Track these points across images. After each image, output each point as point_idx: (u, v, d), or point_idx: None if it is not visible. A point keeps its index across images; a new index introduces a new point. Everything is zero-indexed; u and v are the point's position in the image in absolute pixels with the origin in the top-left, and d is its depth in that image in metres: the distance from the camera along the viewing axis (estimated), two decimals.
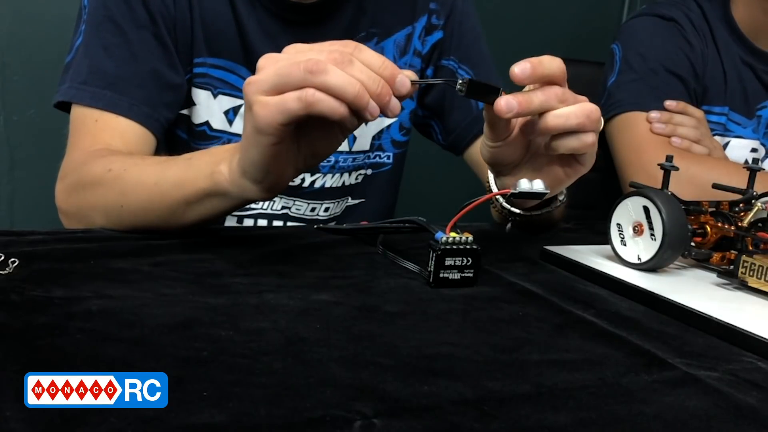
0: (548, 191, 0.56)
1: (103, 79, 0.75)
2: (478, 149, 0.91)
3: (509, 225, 0.69)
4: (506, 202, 0.68)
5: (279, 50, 0.83)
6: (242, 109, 0.84)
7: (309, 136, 0.55)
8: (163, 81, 0.78)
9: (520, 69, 0.53)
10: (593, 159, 0.60)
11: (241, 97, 0.84)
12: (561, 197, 0.68)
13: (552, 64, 0.55)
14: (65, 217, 0.71)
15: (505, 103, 0.53)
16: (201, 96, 0.83)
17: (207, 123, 0.84)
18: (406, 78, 0.52)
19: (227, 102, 0.84)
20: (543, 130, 0.56)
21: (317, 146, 0.57)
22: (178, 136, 0.85)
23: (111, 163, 0.66)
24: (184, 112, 0.83)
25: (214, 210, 0.61)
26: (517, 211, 0.67)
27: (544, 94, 0.54)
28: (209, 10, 0.81)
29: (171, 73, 0.79)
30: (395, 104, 0.51)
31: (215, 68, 0.82)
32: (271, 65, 0.51)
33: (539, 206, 0.67)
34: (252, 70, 0.83)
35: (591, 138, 0.57)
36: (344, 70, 0.49)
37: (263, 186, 0.56)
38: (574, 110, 0.55)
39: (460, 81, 0.54)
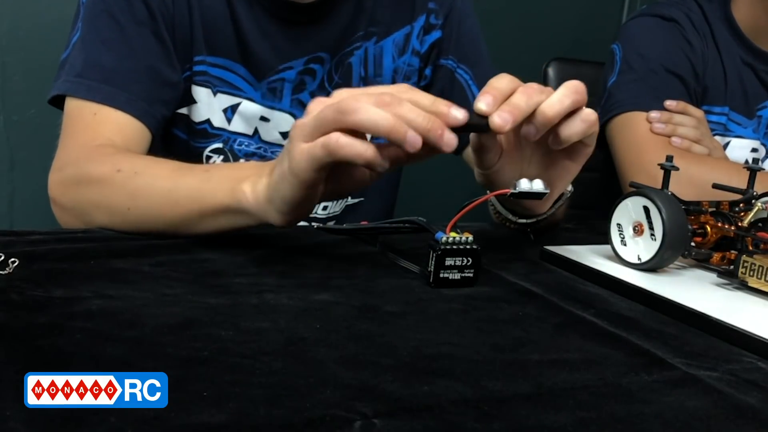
0: (548, 191, 0.56)
1: (99, 72, 0.75)
2: None
3: (531, 236, 0.70)
4: (507, 209, 0.68)
5: (276, 50, 0.84)
6: (240, 107, 0.85)
7: (339, 174, 0.55)
8: (160, 78, 0.78)
9: (485, 104, 0.53)
10: (596, 136, 0.60)
11: (238, 95, 0.84)
12: (568, 190, 0.68)
13: (501, 82, 0.55)
14: (60, 210, 0.70)
15: (499, 118, 0.53)
16: (201, 94, 0.83)
17: (208, 121, 0.84)
18: (460, 110, 0.52)
19: (226, 100, 0.84)
20: (544, 123, 0.55)
21: (343, 183, 0.57)
22: (176, 135, 0.85)
23: (120, 163, 0.66)
24: (183, 111, 0.83)
25: (230, 225, 0.60)
26: (524, 221, 0.67)
27: (524, 94, 0.54)
28: (208, 9, 0.81)
29: (168, 70, 0.79)
30: (450, 137, 0.51)
31: (214, 67, 0.82)
32: (316, 108, 0.52)
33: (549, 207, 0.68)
34: (250, 69, 0.84)
35: (593, 115, 0.57)
36: (389, 110, 0.49)
37: (286, 217, 0.56)
38: (563, 92, 0.55)
39: None
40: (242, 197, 0.57)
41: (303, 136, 0.51)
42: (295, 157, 0.51)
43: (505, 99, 0.54)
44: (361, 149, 0.50)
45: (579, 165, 0.62)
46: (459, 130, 0.54)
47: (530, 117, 0.54)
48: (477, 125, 0.54)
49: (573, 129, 0.56)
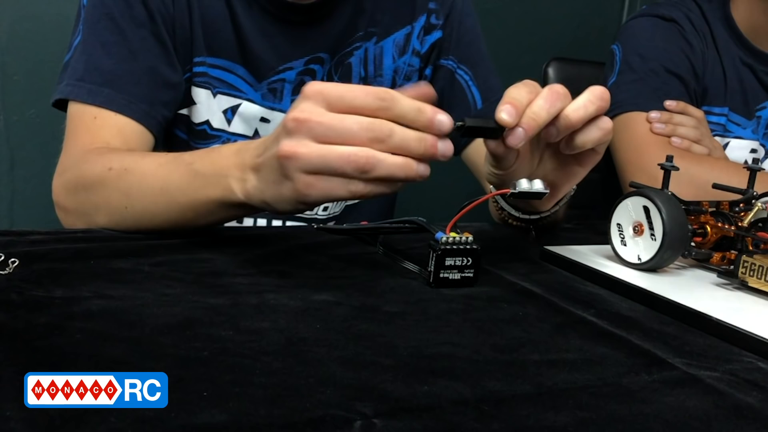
0: (548, 191, 0.56)
1: (100, 76, 0.75)
2: (476, 148, 0.92)
3: (533, 233, 0.71)
4: (510, 205, 0.68)
5: (276, 50, 0.84)
6: (241, 108, 0.85)
7: None
8: (161, 79, 0.78)
9: (507, 114, 0.52)
10: (607, 145, 0.60)
11: (238, 97, 0.84)
12: (571, 192, 0.68)
13: (520, 92, 0.54)
14: (64, 213, 0.70)
15: (513, 137, 0.53)
16: (201, 95, 0.83)
17: (207, 122, 0.84)
18: (444, 116, 0.50)
19: (225, 101, 0.84)
20: (567, 127, 0.55)
21: None
22: (177, 136, 0.85)
23: (110, 161, 0.66)
24: (184, 111, 0.84)
25: (228, 216, 0.61)
26: (529, 216, 0.67)
27: (546, 101, 0.54)
28: (208, 10, 0.81)
29: (169, 71, 0.79)
30: (446, 148, 0.50)
31: (214, 68, 0.82)
32: (304, 134, 0.49)
33: (550, 205, 0.68)
34: (250, 70, 0.84)
35: (610, 123, 0.57)
36: (388, 147, 0.49)
37: (284, 215, 0.56)
38: (587, 97, 0.55)
39: (457, 124, 0.52)
40: (230, 194, 0.57)
41: (306, 170, 0.50)
42: (305, 192, 0.50)
43: (525, 107, 0.53)
44: (385, 190, 0.50)
45: (586, 170, 0.62)
46: (469, 134, 0.53)
47: (553, 120, 0.54)
48: (489, 131, 0.54)
49: (589, 136, 0.56)
